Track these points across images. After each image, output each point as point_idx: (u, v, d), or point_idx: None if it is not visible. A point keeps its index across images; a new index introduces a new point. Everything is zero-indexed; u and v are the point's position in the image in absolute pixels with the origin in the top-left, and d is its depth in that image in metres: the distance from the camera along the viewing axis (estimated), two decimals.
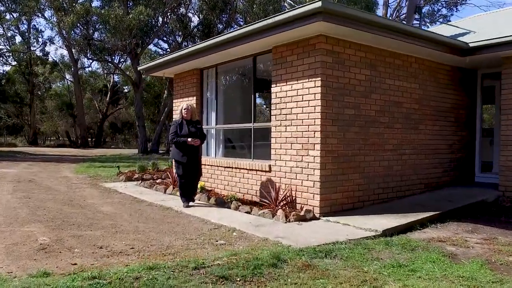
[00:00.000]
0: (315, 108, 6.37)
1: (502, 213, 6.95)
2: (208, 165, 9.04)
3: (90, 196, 8.54)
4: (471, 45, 7.67)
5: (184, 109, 7.36)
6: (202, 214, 6.61)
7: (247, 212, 6.68)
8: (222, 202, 7.38)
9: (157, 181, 10.75)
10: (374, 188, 7.14)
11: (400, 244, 5.04)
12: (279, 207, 6.68)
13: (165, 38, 31.83)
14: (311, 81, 6.41)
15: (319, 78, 6.28)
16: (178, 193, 8.45)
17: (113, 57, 30.60)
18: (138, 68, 10.85)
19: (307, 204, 6.51)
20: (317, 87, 6.33)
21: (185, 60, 8.88)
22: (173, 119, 8.37)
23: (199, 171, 7.59)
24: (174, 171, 7.79)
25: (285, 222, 5.98)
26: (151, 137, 35.14)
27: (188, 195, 7.40)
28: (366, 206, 6.96)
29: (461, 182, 9.02)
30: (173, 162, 7.82)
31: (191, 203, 7.38)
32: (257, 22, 6.58)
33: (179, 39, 29.34)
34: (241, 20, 29.35)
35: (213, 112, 9.37)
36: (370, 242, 5.07)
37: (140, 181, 10.47)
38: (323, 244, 4.87)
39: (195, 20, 31.92)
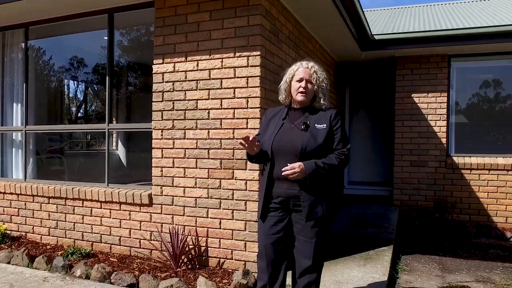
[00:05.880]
0: (248, 101, 3.92)
1: (425, 235, 6.00)
2: (10, 193, 5.31)
3: None
4: (376, 37, 6.53)
5: (299, 79, 2.69)
6: None
7: (130, 286, 3.66)
8: (66, 266, 4.01)
9: None
10: None
11: None
12: (184, 267, 3.95)
13: None
14: (240, 56, 3.93)
15: (258, 53, 3.86)
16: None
17: None
18: None
19: (231, 259, 3.97)
20: (252, 66, 3.89)
21: None
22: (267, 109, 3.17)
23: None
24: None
25: None
26: None
27: None
28: None
29: None
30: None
31: None
32: None
33: None
34: None
35: (17, 105, 5.64)
36: None
37: None
38: None
39: None
